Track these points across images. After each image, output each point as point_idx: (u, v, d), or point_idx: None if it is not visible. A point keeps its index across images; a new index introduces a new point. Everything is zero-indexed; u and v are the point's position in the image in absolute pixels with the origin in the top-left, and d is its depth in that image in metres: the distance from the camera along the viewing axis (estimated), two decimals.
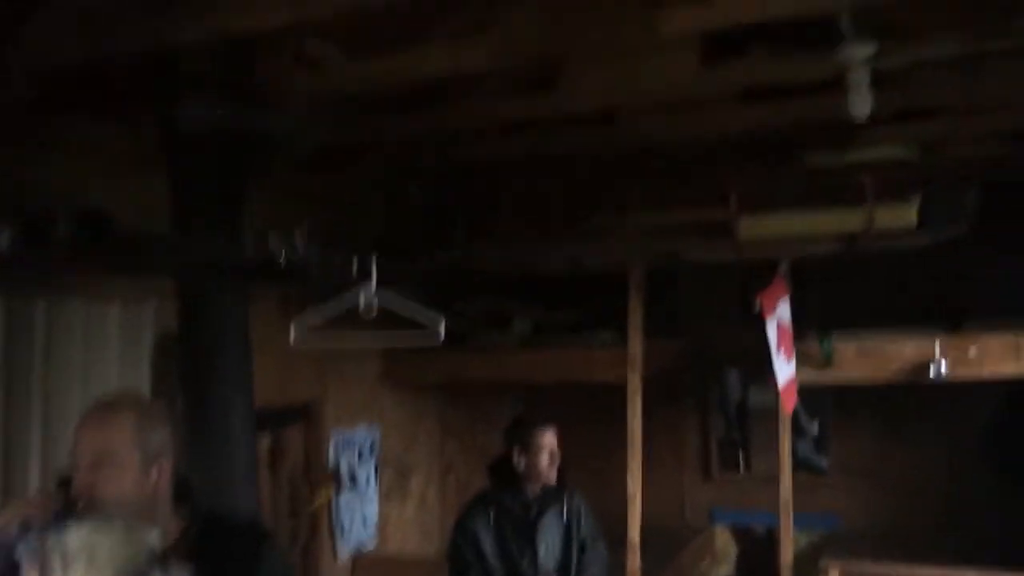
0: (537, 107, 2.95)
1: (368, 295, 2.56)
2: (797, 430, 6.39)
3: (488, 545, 3.21)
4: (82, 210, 2.88)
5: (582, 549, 3.29)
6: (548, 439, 3.21)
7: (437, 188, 3.94)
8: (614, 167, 3.66)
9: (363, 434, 4.82)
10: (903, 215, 3.26)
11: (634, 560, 4.49)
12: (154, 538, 1.41)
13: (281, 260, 2.47)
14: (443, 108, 2.95)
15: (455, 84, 2.86)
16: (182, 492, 1.86)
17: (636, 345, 4.39)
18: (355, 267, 2.55)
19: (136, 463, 1.76)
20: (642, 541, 4.53)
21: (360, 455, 4.79)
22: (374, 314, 2.58)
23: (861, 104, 2.52)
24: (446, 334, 4.98)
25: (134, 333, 3.37)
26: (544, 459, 3.19)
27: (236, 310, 2.86)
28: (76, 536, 1.41)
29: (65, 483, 1.76)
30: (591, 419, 5.11)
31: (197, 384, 2.84)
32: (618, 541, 4.27)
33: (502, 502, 3.28)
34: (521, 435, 3.23)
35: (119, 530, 1.43)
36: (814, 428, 6.19)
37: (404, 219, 3.98)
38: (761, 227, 3.47)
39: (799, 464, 5.82)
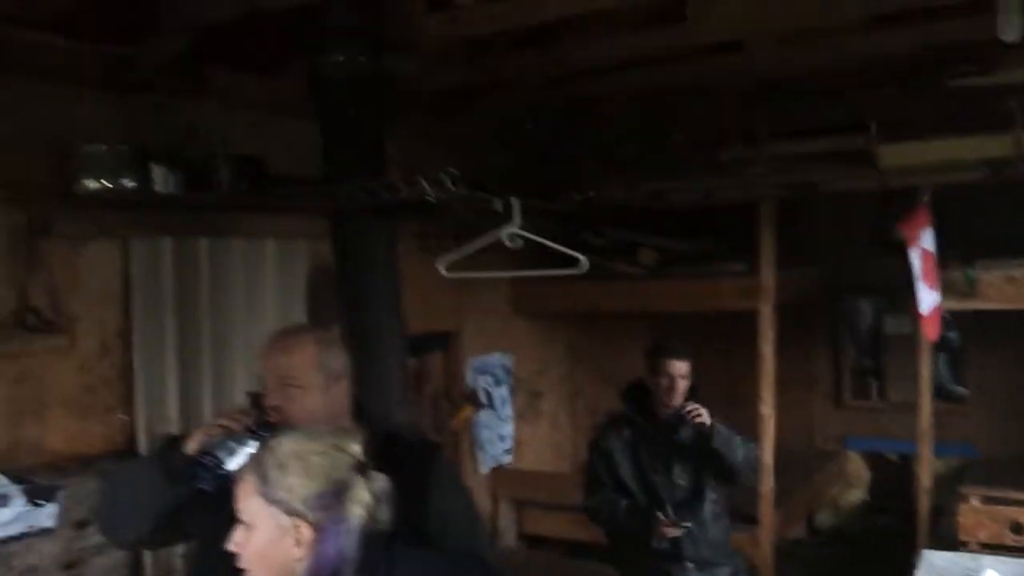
0: (666, 39, 2.95)
1: (512, 232, 2.68)
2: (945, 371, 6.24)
3: (623, 466, 3.33)
4: (239, 156, 3.11)
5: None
6: (680, 368, 3.28)
7: (563, 125, 3.98)
8: (744, 98, 3.63)
9: (497, 360, 5.03)
10: None
11: (767, 481, 4.54)
12: (357, 448, 1.53)
13: (432, 199, 2.61)
14: (571, 44, 2.98)
15: (582, 20, 2.89)
16: (358, 411, 2.04)
17: (768, 276, 4.37)
18: (499, 206, 2.67)
19: (318, 384, 1.92)
20: (775, 464, 4.58)
21: (496, 379, 5.02)
22: (518, 245, 2.71)
23: (1012, 26, 2.41)
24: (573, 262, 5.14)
25: (289, 268, 3.64)
26: (677, 385, 3.26)
27: (386, 245, 3.04)
28: (289, 443, 1.52)
29: (256, 400, 1.96)
30: (721, 346, 5.13)
31: (355, 313, 3.05)
32: None
33: (636, 424, 3.38)
34: (655, 363, 3.31)
35: (328, 438, 1.54)
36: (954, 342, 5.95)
37: (531, 157, 4.06)
38: (902, 155, 3.37)
39: (936, 392, 5.71)
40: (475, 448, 4.83)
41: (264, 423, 1.85)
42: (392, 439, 1.97)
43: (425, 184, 2.51)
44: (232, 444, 1.79)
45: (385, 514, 1.53)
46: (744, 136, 3.79)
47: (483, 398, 4.83)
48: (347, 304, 3.05)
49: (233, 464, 1.74)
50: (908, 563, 3.12)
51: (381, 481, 1.53)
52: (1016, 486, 4.41)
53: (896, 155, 3.36)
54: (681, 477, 3.31)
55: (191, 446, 1.81)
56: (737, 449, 3.22)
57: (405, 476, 1.60)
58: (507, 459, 5.12)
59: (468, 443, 4.79)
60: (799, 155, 3.66)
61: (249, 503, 1.50)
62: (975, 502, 3.96)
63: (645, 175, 3.94)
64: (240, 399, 3.13)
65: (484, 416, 4.88)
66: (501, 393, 5.06)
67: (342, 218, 2.96)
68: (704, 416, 3.16)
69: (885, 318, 5.90)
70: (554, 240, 5.10)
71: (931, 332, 3.69)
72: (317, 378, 1.93)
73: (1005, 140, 3.16)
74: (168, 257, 3.19)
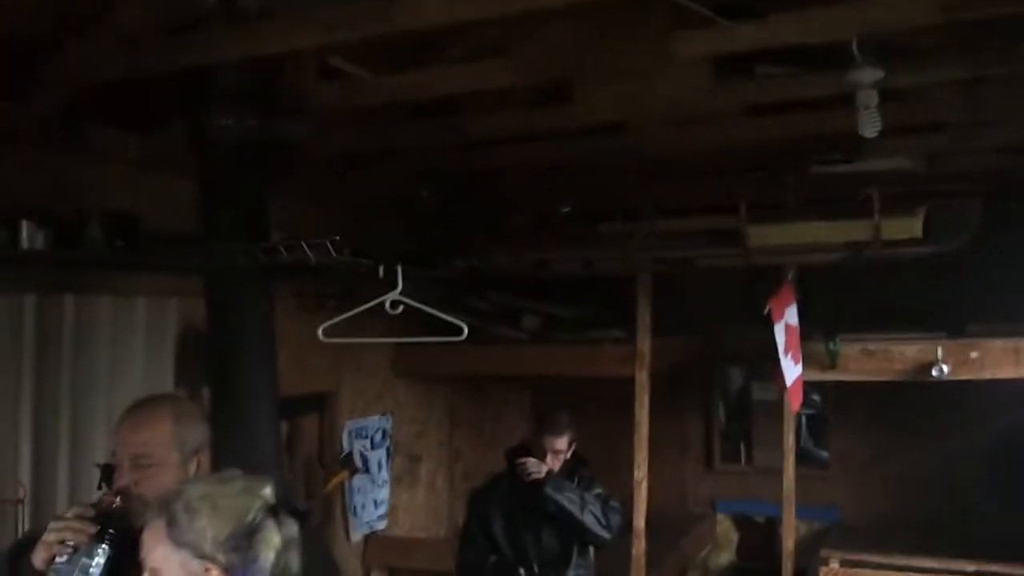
0: (555, 118, 3.04)
1: (395, 299, 2.67)
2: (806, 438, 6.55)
3: (497, 523, 3.39)
4: (112, 212, 3.00)
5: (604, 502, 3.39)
6: (557, 443, 3.37)
7: (452, 193, 4.03)
8: (628, 175, 3.76)
9: (376, 423, 4.95)
10: (909, 227, 3.36)
11: (639, 545, 4.61)
12: (268, 492, 1.51)
13: (312, 263, 2.58)
14: (461, 119, 3.04)
15: (476, 94, 2.95)
16: None
17: (644, 343, 4.49)
18: (381, 272, 2.66)
19: (175, 461, 1.84)
20: (646, 528, 4.66)
21: (373, 443, 4.93)
22: (399, 311, 2.70)
23: (871, 124, 2.60)
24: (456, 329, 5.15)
25: (159, 327, 3.49)
26: (553, 459, 3.36)
27: (262, 305, 2.97)
28: (198, 487, 1.50)
29: (107, 472, 1.85)
30: (600, 411, 5.21)
31: (226, 373, 2.96)
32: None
33: (514, 486, 3.43)
34: (534, 438, 3.41)
35: (238, 482, 1.52)
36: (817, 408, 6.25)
37: (420, 223, 4.08)
38: (769, 235, 3.57)
39: (800, 456, 5.96)
40: (348, 514, 4.71)
41: (108, 516, 1.73)
42: None
43: (306, 249, 2.48)
44: (83, 560, 1.67)
45: (295, 562, 1.51)
46: (625, 212, 3.92)
47: (359, 462, 4.73)
48: (218, 364, 2.97)
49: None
50: None
51: (291, 527, 1.51)
52: (875, 548, 4.65)
53: (763, 235, 3.55)
54: (550, 540, 3.39)
55: (39, 558, 1.68)
56: (578, 501, 3.31)
57: None
58: (381, 525, 5.01)
59: (341, 509, 4.67)
60: (675, 232, 3.81)
61: (156, 549, 1.46)
62: (834, 565, 4.15)
63: (531, 245, 4.02)
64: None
65: (359, 481, 4.77)
66: (378, 456, 4.97)
67: (217, 277, 2.89)
68: (537, 474, 3.30)
69: (753, 385, 6.16)
70: (438, 305, 5.12)
71: (794, 403, 3.88)
72: (173, 455, 1.86)
73: (864, 224, 3.39)
74: (30, 313, 3.02)
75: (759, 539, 5.96)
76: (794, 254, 3.63)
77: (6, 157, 2.88)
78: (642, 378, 4.53)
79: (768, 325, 3.85)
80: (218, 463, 2.85)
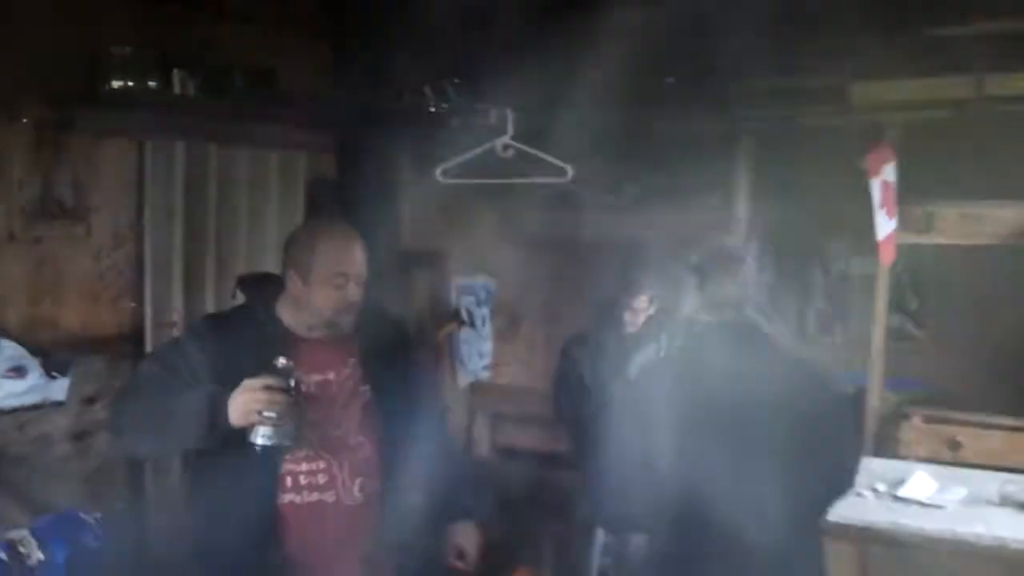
0: None
1: (505, 142, 2.88)
2: (900, 306, 6.59)
3: (586, 372, 3.66)
4: (252, 67, 3.29)
5: None
6: (639, 302, 3.59)
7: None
8: (730, 32, 3.81)
9: (481, 283, 5.27)
10: (1014, 83, 3.35)
11: None
12: None
13: (432, 107, 2.80)
14: None
15: None
16: None
17: (741, 207, 4.61)
18: (492, 118, 2.87)
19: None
20: None
21: (478, 300, 5.27)
22: (510, 155, 2.91)
23: None
24: (560, 196, 5.35)
25: (291, 178, 3.82)
26: (636, 316, 3.58)
27: (385, 160, 3.25)
28: None
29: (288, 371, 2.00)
30: None
31: (353, 223, 3.25)
32: None
33: (604, 337, 3.70)
34: (621, 287, 3.64)
35: None
36: (914, 303, 6.36)
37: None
38: (872, 92, 3.60)
39: (894, 330, 6.03)
40: (455, 362, 5.09)
41: (297, 382, 1.99)
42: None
43: (429, 92, 2.69)
44: (284, 428, 1.94)
45: None
46: (732, 70, 3.99)
47: (465, 316, 5.08)
48: (346, 214, 3.26)
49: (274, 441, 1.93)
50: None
51: None
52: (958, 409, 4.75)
53: (867, 93, 3.59)
54: None
55: (237, 418, 1.93)
56: None
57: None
58: (485, 375, 5.39)
59: (449, 357, 5.04)
60: (778, 89, 3.88)
61: None
62: (917, 421, 4.29)
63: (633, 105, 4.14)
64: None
65: (465, 333, 5.13)
66: (482, 313, 5.31)
67: (345, 131, 3.15)
68: None
69: (853, 259, 6.19)
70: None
71: (886, 256, 3.97)
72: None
73: (967, 80, 3.40)
74: (180, 159, 3.37)
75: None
76: (897, 111, 3.65)
77: (159, 12, 3.18)
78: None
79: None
80: None
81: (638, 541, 3.58)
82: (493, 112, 2.87)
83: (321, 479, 2.05)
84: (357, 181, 3.21)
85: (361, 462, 2.11)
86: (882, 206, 3.66)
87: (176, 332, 3.37)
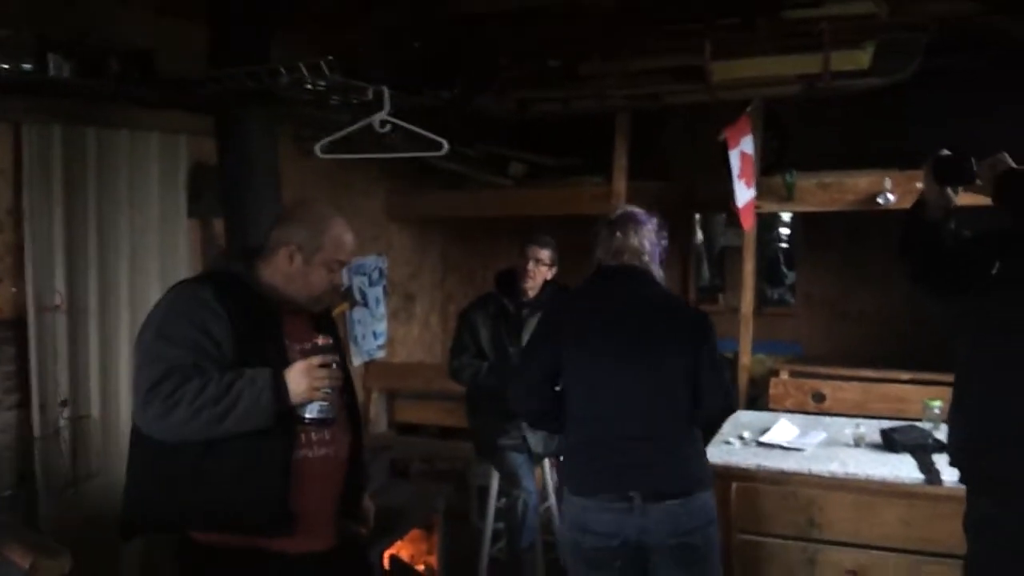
0: None
1: (382, 118, 2.98)
2: (775, 278, 6.99)
3: (483, 335, 3.82)
4: (130, 50, 3.29)
5: None
6: (542, 254, 3.77)
7: (439, 43, 4.27)
8: (605, 21, 4.02)
9: (372, 262, 5.37)
10: (856, 59, 3.64)
11: None
12: None
13: (309, 85, 2.87)
14: None
15: None
16: None
17: (620, 183, 4.83)
18: (371, 94, 2.97)
19: None
20: None
21: (371, 280, 5.36)
22: (387, 130, 3.01)
23: None
24: (449, 174, 5.49)
25: (171, 162, 3.84)
26: (538, 269, 3.75)
27: (267, 141, 3.30)
28: None
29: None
30: (580, 256, 5.59)
31: (236, 206, 3.30)
32: None
33: (500, 302, 3.87)
34: (522, 249, 3.80)
35: None
36: (791, 277, 6.79)
37: (409, 69, 4.34)
38: (731, 70, 3.86)
39: (765, 296, 6.41)
40: (349, 342, 5.17)
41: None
42: None
43: (304, 69, 2.77)
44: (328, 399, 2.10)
45: None
46: (602, 53, 4.19)
47: (358, 296, 5.17)
48: (228, 198, 3.31)
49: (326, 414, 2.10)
50: None
51: None
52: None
53: (726, 71, 3.85)
54: None
55: (296, 396, 2.06)
56: None
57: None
58: (380, 354, 5.49)
59: (344, 336, 5.13)
60: (646, 71, 4.10)
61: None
62: (784, 375, 4.63)
63: (514, 86, 4.31)
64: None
65: (359, 313, 5.22)
66: (376, 293, 5.41)
67: (225, 112, 3.19)
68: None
69: (729, 231, 6.54)
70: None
71: (746, 223, 4.25)
72: None
73: (816, 58, 3.69)
74: (58, 142, 3.35)
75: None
76: (753, 87, 3.92)
77: None
78: None
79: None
80: None
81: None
82: (371, 90, 2.96)
83: (326, 435, 2.18)
84: (238, 164, 3.24)
85: (345, 420, 2.28)
86: (741, 176, 3.93)
87: (61, 315, 3.38)
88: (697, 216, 6.54)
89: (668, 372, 2.55)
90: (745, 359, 4.66)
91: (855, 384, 4.46)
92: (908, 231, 2.42)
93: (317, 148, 3.13)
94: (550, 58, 4.18)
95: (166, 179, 3.84)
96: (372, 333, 5.41)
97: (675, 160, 6.02)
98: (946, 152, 2.29)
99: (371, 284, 5.38)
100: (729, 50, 3.87)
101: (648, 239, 2.68)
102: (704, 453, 2.70)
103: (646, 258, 2.65)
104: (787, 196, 4.39)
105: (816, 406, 4.35)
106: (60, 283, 3.41)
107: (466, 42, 4.34)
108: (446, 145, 2.99)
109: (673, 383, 2.55)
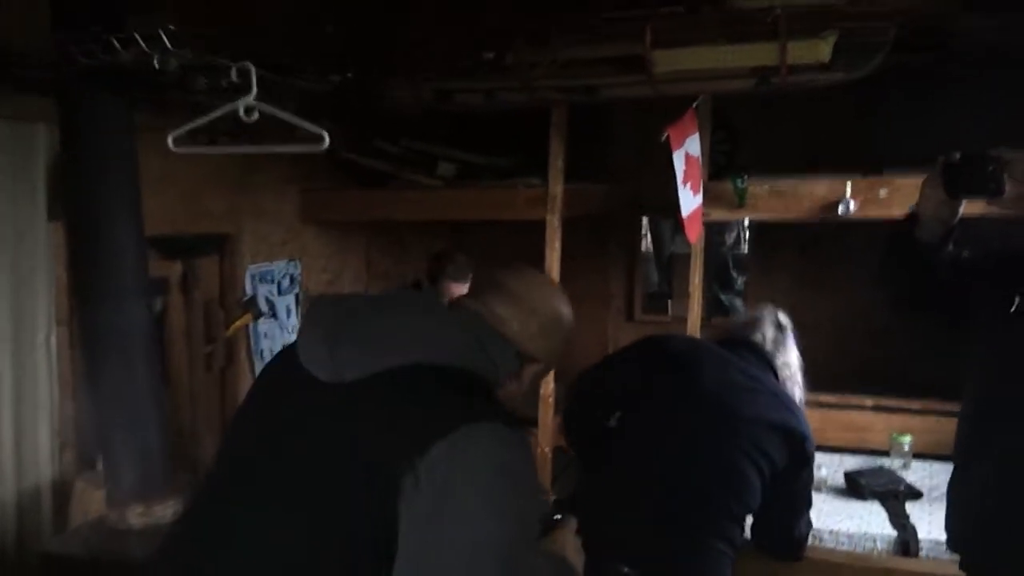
0: None
1: (248, 104, 2.44)
2: (726, 283, 6.59)
3: None
4: None
5: None
6: (461, 289, 3.28)
7: (356, 27, 3.75)
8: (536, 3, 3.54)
9: (282, 268, 4.81)
10: (816, 50, 3.18)
11: (547, 414, 4.56)
12: None
13: (155, 63, 2.34)
14: None
15: None
16: None
17: (557, 186, 4.35)
18: (234, 74, 2.43)
19: None
20: (565, 381, 4.61)
21: (280, 288, 4.81)
22: (254, 119, 2.47)
23: None
24: (368, 174, 4.96)
25: (25, 155, 3.27)
26: None
27: (121, 128, 2.75)
28: None
29: None
30: (515, 257, 5.10)
31: (83, 203, 2.76)
32: None
33: None
34: (434, 276, 3.31)
35: None
36: (740, 283, 6.41)
37: (314, 52, 3.81)
38: (676, 60, 3.37)
39: (715, 305, 6.01)
40: (254, 357, 4.63)
41: None
42: None
43: (140, 42, 2.24)
44: None
45: None
46: (530, 40, 3.69)
47: (264, 306, 4.62)
48: (74, 193, 2.76)
49: None
50: None
51: None
52: None
53: (670, 60, 3.35)
54: None
55: None
56: None
57: None
58: None
59: (247, 352, 4.58)
60: (581, 60, 3.60)
61: None
62: None
63: (431, 74, 3.79)
64: None
65: (265, 325, 4.67)
66: (286, 302, 4.86)
67: (69, 94, 2.65)
68: None
69: (677, 237, 6.13)
70: (347, 147, 4.89)
71: (691, 234, 3.79)
72: None
73: (771, 47, 3.21)
74: None
75: None
76: (701, 80, 3.44)
77: None
78: (553, 222, 4.40)
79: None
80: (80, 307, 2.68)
81: None
82: (234, 68, 2.42)
83: None
84: (86, 154, 2.70)
85: None
86: (685, 181, 3.46)
87: None
88: (644, 220, 6.10)
89: None
90: None
91: (812, 411, 3.97)
92: (894, 252, 1.98)
93: (170, 140, 2.58)
94: (476, 46, 3.66)
95: (19, 175, 3.27)
96: (281, 347, 4.85)
97: (619, 160, 5.62)
98: (961, 154, 1.81)
99: (280, 293, 4.83)
100: (673, 38, 3.39)
101: None
102: None
103: None
104: (738, 203, 3.93)
105: None
106: None
107: (371, 21, 3.82)
108: (327, 138, 2.47)
109: None
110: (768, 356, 2.61)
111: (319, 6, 3.79)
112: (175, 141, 2.56)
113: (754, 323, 2.76)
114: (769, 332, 2.72)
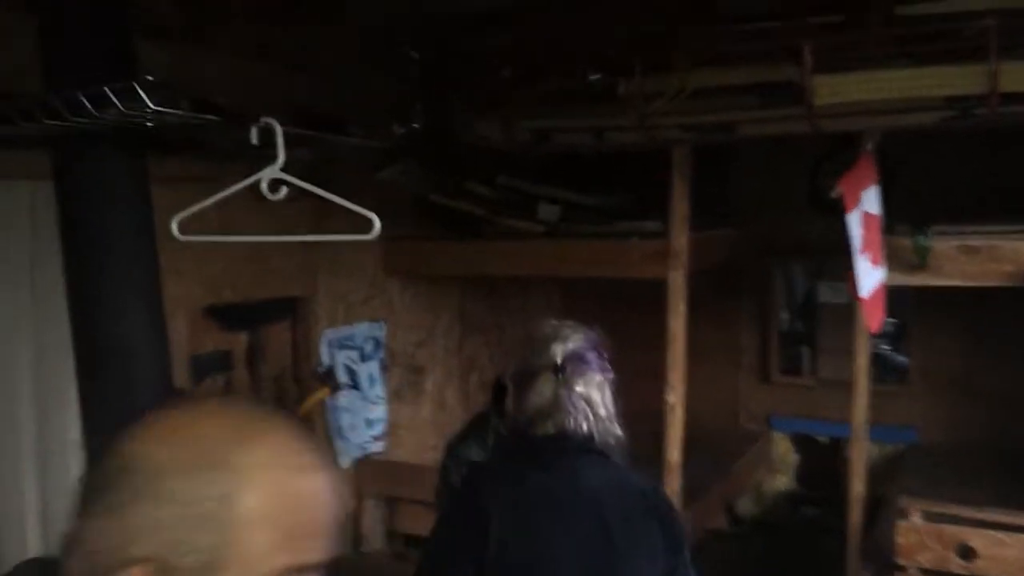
0: None
1: (274, 177, 1.82)
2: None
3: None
4: None
5: None
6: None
7: (437, 56, 3.12)
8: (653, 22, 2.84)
9: (364, 331, 4.22)
10: None
11: (673, 481, 3.87)
12: None
13: (147, 122, 1.75)
14: None
15: None
16: None
17: (680, 238, 3.62)
18: (254, 136, 1.82)
19: None
20: (691, 447, 3.95)
21: (362, 354, 4.22)
22: (281, 196, 1.86)
23: None
24: (460, 219, 4.34)
25: (43, 214, 2.76)
26: None
27: (132, 181, 2.18)
28: None
29: None
30: (636, 312, 4.36)
31: (86, 270, 2.18)
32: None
33: (499, 430, 2.68)
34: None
35: None
36: (889, 326, 5.49)
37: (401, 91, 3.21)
38: (843, 88, 2.59)
39: (874, 367, 5.12)
40: (333, 436, 4.05)
41: None
42: None
43: (112, 96, 1.64)
44: None
45: None
46: (649, 66, 2.98)
47: (343, 377, 4.03)
48: (74, 260, 2.18)
49: None
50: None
51: None
52: (958, 481, 3.85)
53: (835, 89, 2.58)
54: None
55: None
56: None
57: None
58: (377, 447, 4.32)
59: (324, 430, 4.00)
60: (713, 89, 2.86)
61: None
62: (916, 519, 3.24)
63: (524, 112, 3.12)
64: None
65: (345, 399, 4.08)
66: (369, 370, 4.26)
67: (66, 151, 2.08)
68: None
69: (819, 286, 5.30)
70: (437, 189, 4.27)
71: (873, 321, 2.93)
72: None
73: (975, 71, 2.40)
74: None
75: (822, 462, 5.18)
76: (876, 114, 2.64)
77: None
78: (677, 280, 3.67)
79: (839, 214, 2.94)
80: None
81: None
82: (254, 130, 1.81)
83: None
84: (88, 213, 2.11)
85: None
86: (865, 249, 2.65)
87: None
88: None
89: None
90: (858, 486, 3.37)
91: (1020, 537, 3.09)
92: None
93: (173, 227, 1.98)
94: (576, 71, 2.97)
95: (40, 235, 2.77)
96: (364, 421, 4.25)
97: (740, 195, 4.86)
98: None
99: (363, 359, 4.24)
100: (837, 59, 2.61)
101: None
102: None
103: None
104: (918, 263, 3.06)
105: (963, 565, 3.04)
106: None
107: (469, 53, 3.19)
108: (377, 226, 1.83)
109: None
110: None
111: (398, 30, 3.20)
112: (179, 226, 1.96)
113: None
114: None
